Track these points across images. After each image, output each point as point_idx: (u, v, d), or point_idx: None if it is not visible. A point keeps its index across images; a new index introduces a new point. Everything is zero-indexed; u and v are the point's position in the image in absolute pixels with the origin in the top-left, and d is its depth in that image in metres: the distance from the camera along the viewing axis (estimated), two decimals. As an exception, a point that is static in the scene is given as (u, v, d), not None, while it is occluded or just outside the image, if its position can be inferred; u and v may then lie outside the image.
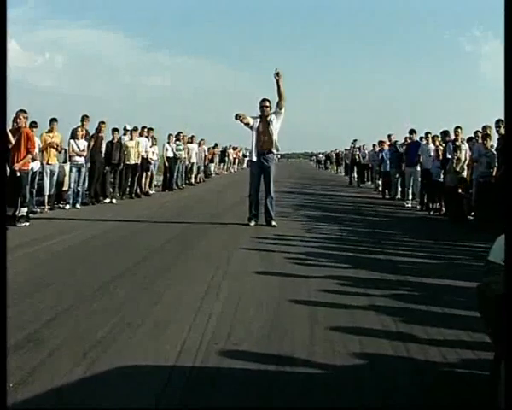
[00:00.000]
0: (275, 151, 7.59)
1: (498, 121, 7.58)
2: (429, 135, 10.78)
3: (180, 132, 15.47)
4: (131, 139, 11.92)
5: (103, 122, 10.97)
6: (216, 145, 24.36)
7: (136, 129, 12.42)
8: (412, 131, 11.80)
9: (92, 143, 10.38)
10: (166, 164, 14.34)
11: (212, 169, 23.02)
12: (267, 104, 7.55)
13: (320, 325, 3.19)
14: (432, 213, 10.00)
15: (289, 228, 7.37)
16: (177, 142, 14.85)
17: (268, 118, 7.48)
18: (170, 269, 4.70)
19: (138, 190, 12.44)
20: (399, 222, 8.93)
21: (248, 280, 4.33)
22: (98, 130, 10.77)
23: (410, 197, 11.53)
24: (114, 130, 11.25)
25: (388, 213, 10.13)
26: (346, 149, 29.01)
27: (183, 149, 15.28)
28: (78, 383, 2.37)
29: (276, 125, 7.46)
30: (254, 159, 7.53)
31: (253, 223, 7.45)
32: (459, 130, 9.17)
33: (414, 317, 3.43)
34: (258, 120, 7.54)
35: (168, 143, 14.50)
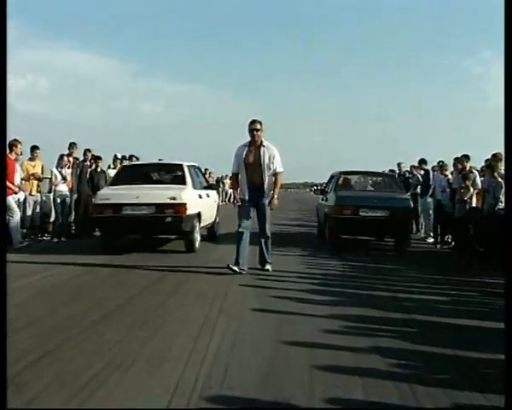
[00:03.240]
0: (267, 186, 6.49)
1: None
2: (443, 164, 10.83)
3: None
4: (115, 168, 12.08)
5: (89, 150, 11.10)
6: (206, 171, 24.50)
7: (124, 158, 12.62)
8: (422, 161, 12.03)
9: (78, 172, 10.50)
10: None
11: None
12: (258, 127, 6.47)
13: (320, 368, 3.22)
14: (439, 246, 10.09)
15: (287, 263, 7.42)
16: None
17: (260, 147, 6.49)
18: (163, 306, 4.75)
19: None
20: (406, 256, 8.97)
21: (244, 319, 4.37)
22: (84, 159, 10.90)
23: (423, 230, 11.57)
24: (97, 158, 11.28)
25: (394, 247, 10.16)
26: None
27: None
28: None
29: (267, 159, 6.46)
30: (246, 197, 6.53)
31: (236, 268, 6.32)
32: (463, 158, 9.29)
33: (421, 359, 3.46)
34: (246, 148, 6.55)
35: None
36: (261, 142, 6.53)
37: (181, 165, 8.97)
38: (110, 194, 8.30)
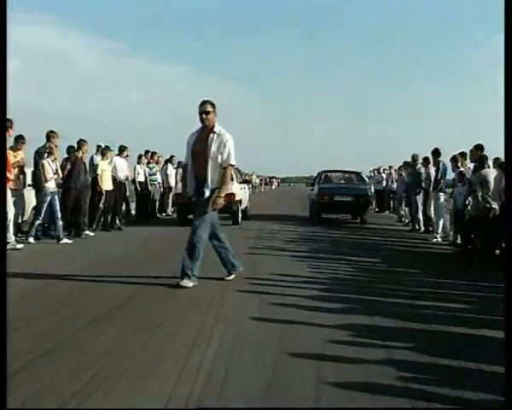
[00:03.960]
0: (211, 181, 5.97)
1: None
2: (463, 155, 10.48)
3: (153, 153, 15.53)
4: (104, 159, 11.93)
5: (84, 140, 10.95)
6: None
7: (108, 148, 12.41)
8: (435, 152, 11.99)
9: (69, 165, 10.37)
10: (139, 190, 14.38)
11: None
12: (208, 109, 6.01)
13: (328, 382, 3.21)
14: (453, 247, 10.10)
15: (290, 266, 7.43)
16: (150, 164, 15.02)
17: (209, 132, 6.01)
18: (155, 313, 4.78)
19: (118, 222, 12.43)
20: (420, 258, 8.97)
21: (243, 328, 4.37)
22: (81, 150, 10.75)
23: (440, 229, 11.55)
24: (76, 149, 11.09)
25: (409, 248, 10.20)
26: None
27: (157, 172, 15.40)
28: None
29: (214, 147, 5.96)
30: (192, 192, 6.18)
31: (232, 276, 6.21)
32: (474, 149, 9.22)
33: (440, 374, 3.45)
34: (197, 134, 6.17)
35: (139, 164, 14.57)
36: (212, 127, 6.05)
37: None
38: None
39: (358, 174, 17.80)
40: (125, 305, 5.17)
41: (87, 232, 10.69)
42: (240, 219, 13.92)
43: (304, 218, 16.44)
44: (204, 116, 6.00)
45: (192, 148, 6.09)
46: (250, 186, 27.80)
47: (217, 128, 6.05)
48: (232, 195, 12.92)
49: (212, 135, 5.99)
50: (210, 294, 5.58)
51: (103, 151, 12.04)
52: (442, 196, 11.32)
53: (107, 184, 11.74)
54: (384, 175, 21.08)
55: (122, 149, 12.95)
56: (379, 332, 4.30)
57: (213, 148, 5.96)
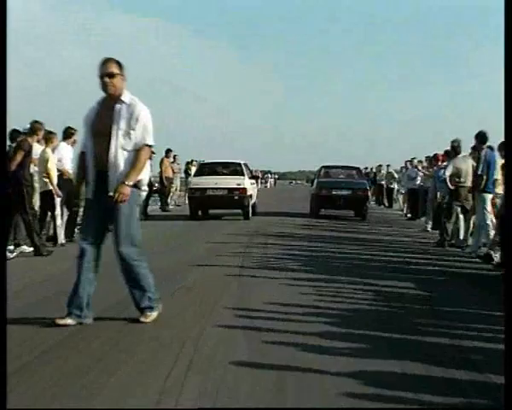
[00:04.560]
0: (117, 170, 5.47)
1: None
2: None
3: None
4: (48, 147, 11.48)
5: (39, 122, 10.65)
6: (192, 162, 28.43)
7: (50, 132, 11.86)
8: (480, 137, 11.23)
9: (20, 157, 9.98)
10: None
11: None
12: (112, 70, 5.49)
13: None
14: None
15: (290, 292, 7.35)
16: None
17: (115, 103, 5.53)
18: (108, 357, 4.70)
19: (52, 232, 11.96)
20: (469, 283, 8.84)
21: (227, 376, 4.28)
22: (36, 135, 10.56)
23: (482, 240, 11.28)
24: (29, 134, 10.74)
25: (450, 269, 10.04)
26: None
27: None
28: None
29: (123, 123, 5.47)
30: (91, 189, 5.66)
31: (69, 320, 5.40)
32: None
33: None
34: (98, 108, 5.70)
35: None
36: (119, 95, 5.55)
37: (240, 163, 19.72)
38: (199, 181, 18.65)
39: (358, 170, 23.46)
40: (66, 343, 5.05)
41: (24, 247, 10.45)
42: (250, 214, 18.41)
43: (307, 224, 18.01)
44: (107, 80, 5.46)
45: (92, 127, 5.62)
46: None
47: (126, 97, 5.57)
48: (244, 189, 17.97)
49: (118, 106, 5.52)
50: (182, 331, 5.48)
51: (48, 136, 11.53)
52: (489, 198, 10.88)
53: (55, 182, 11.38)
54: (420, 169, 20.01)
55: (70, 133, 12.37)
56: (411, 382, 4.23)
57: (121, 123, 5.48)
